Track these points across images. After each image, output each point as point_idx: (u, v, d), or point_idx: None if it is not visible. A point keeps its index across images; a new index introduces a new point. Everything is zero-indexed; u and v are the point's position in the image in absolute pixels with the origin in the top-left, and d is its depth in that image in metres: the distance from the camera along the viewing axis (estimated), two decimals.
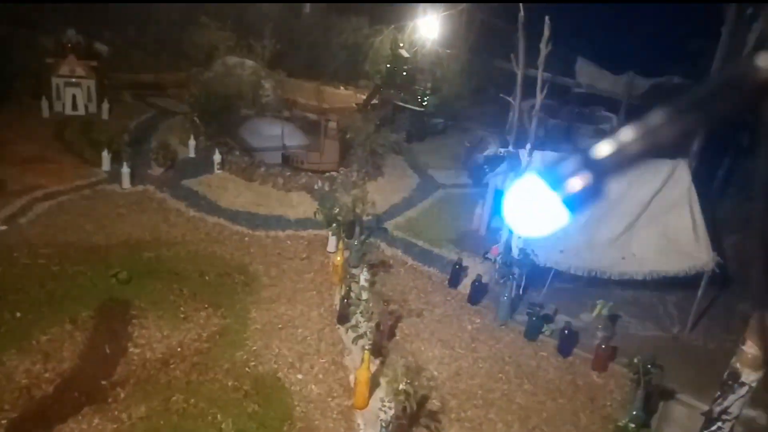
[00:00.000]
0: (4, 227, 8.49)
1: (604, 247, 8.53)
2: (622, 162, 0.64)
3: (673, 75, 13.60)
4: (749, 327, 4.13)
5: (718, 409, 4.51)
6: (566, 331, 7.50)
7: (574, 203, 0.63)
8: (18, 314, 6.68)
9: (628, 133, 0.64)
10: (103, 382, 5.95)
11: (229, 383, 6.23)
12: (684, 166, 8.62)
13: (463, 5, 16.69)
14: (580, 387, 7.03)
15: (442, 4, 16.34)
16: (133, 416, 5.57)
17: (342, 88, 18.80)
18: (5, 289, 7.09)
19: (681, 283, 8.47)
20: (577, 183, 0.62)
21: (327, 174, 11.69)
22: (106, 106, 13.52)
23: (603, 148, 0.63)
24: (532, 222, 0.64)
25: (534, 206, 0.63)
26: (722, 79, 0.61)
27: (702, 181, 9.50)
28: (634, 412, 6.09)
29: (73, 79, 13.28)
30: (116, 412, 5.58)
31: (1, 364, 5.90)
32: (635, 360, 6.34)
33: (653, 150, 0.63)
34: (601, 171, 0.63)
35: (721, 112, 0.61)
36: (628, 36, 16.44)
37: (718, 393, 4.56)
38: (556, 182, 0.63)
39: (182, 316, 7.20)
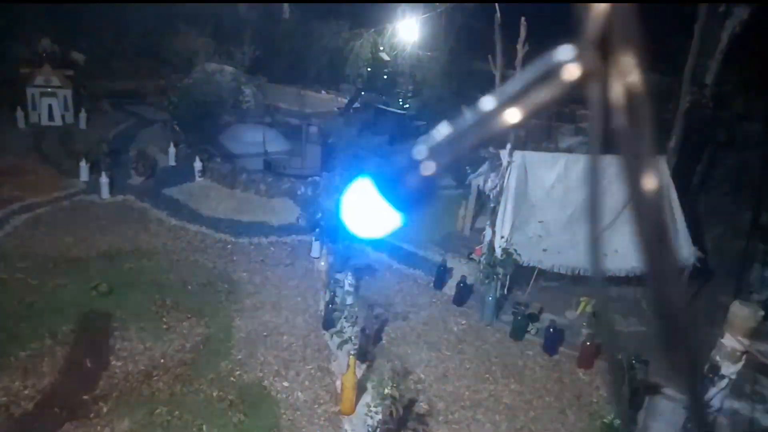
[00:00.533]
0: None
1: (586, 245, 8.59)
2: (452, 156, 0.64)
3: (650, 72, 13.78)
4: (727, 320, 4.18)
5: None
6: (551, 330, 7.54)
7: (405, 204, 0.64)
8: None
9: (451, 127, 0.64)
10: (85, 397, 5.84)
11: (214, 393, 6.16)
12: (662, 163, 8.72)
13: (442, 8, 16.77)
14: (566, 385, 7.07)
15: (421, 7, 16.40)
16: (116, 430, 5.47)
17: (323, 92, 18.78)
18: None
19: None
20: (409, 181, 0.62)
21: (310, 179, 11.64)
22: (83, 115, 13.37)
23: (435, 137, 0.63)
24: (369, 224, 0.64)
25: (369, 208, 0.63)
26: (532, 75, 0.62)
27: (681, 176, 9.63)
28: (620, 408, 6.12)
29: (49, 89, 13.10)
30: (99, 427, 5.48)
31: None
32: (619, 356, 6.37)
33: (484, 141, 0.64)
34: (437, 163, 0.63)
35: (540, 104, 0.62)
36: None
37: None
38: (384, 185, 0.63)
39: (165, 326, 7.11)
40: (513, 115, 0.63)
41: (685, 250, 8.25)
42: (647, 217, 0.61)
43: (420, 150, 0.62)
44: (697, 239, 8.74)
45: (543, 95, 0.63)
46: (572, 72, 0.62)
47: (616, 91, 0.60)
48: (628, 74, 0.60)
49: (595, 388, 7.05)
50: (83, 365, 6.29)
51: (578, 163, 8.95)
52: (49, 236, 8.79)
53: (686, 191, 10.13)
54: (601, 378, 7.20)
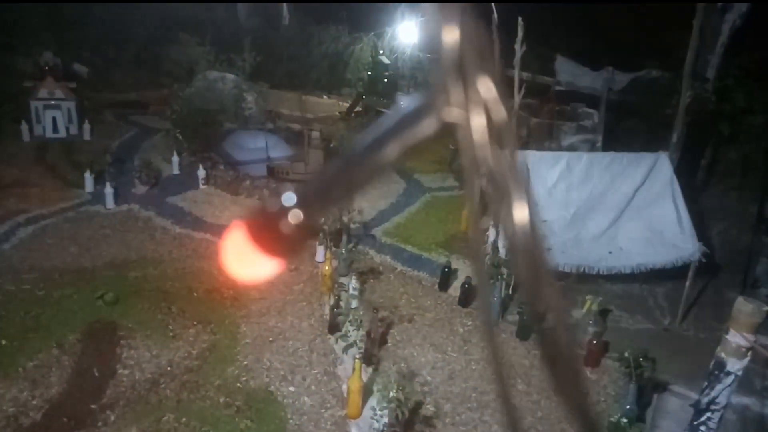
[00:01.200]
0: None
1: (591, 243, 8.57)
2: (322, 204, 0.63)
3: (651, 68, 13.73)
4: (732, 316, 4.16)
5: (705, 399, 4.53)
6: None
7: (281, 250, 0.63)
8: (3, 342, 6.59)
9: (330, 170, 0.63)
10: (93, 406, 5.88)
11: (221, 400, 6.17)
12: (665, 159, 8.69)
13: None
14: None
15: (420, 9, 16.41)
16: None
17: (324, 97, 18.84)
18: None
19: (669, 275, 8.52)
20: (282, 228, 0.61)
21: None
22: (87, 126, 13.45)
23: (308, 186, 0.62)
24: (244, 268, 0.63)
25: (245, 252, 0.62)
26: (388, 127, 0.61)
27: (685, 171, 9.59)
28: (627, 407, 6.09)
29: (53, 102, 13.20)
30: None
31: None
32: (626, 354, 6.35)
33: (353, 189, 0.63)
34: (307, 211, 0.62)
35: (397, 154, 0.61)
36: (605, 31, 16.61)
37: (705, 383, 4.58)
38: (258, 231, 0.61)
39: (171, 334, 7.14)
40: (378, 166, 0.61)
41: (691, 245, 8.21)
42: (520, 254, 0.60)
43: (289, 196, 0.60)
44: (702, 234, 8.69)
45: (397, 150, 0.61)
46: (429, 126, 0.59)
47: (479, 128, 0.58)
48: (490, 105, 0.58)
49: (603, 387, 7.01)
50: (90, 374, 6.32)
51: (580, 161, 8.93)
52: (55, 247, 8.85)
53: (691, 186, 10.09)
54: (608, 377, 7.17)
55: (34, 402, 5.83)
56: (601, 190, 8.82)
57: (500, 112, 0.58)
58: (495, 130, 0.57)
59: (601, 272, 8.29)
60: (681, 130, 8.93)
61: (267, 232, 0.60)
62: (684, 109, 8.77)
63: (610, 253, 8.41)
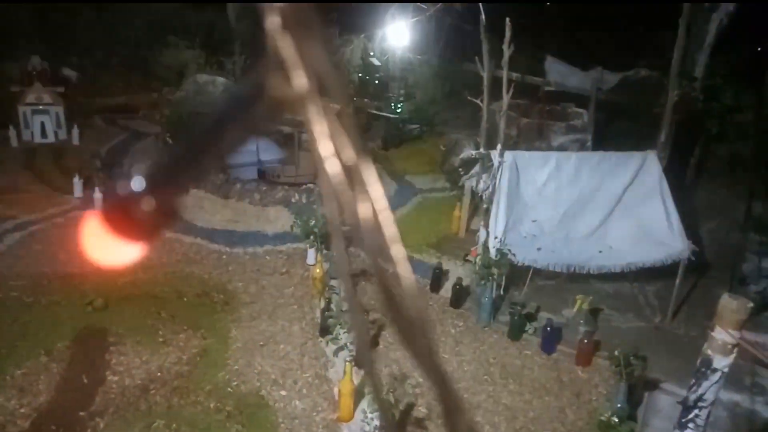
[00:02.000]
0: None
1: (581, 242, 8.60)
2: (171, 188, 0.63)
3: (640, 68, 13.82)
4: (717, 313, 4.18)
5: (693, 396, 4.55)
6: (548, 328, 7.53)
7: (139, 233, 0.62)
8: None
9: (167, 157, 0.63)
10: (81, 413, 5.83)
11: (212, 405, 6.14)
12: (653, 158, 8.73)
13: (431, 11, 16.82)
14: (565, 383, 7.05)
15: (411, 11, 16.45)
16: None
17: None
18: None
19: (659, 273, 8.55)
20: (135, 211, 0.60)
21: (304, 186, 11.64)
22: (76, 131, 13.37)
23: (153, 170, 0.62)
24: (106, 253, 0.63)
25: (105, 238, 0.62)
26: (224, 107, 0.61)
27: (674, 170, 9.64)
28: (618, 405, 6.11)
29: (41, 107, 13.11)
30: None
31: None
32: (616, 353, 6.37)
33: (198, 162, 0.63)
34: (158, 194, 0.61)
35: (239, 131, 0.62)
36: (594, 31, 16.70)
37: (693, 381, 4.60)
38: (114, 215, 0.61)
39: (161, 339, 7.10)
40: (219, 147, 0.61)
41: (680, 243, 8.25)
42: (368, 237, 0.60)
43: (139, 181, 0.59)
44: (691, 232, 8.74)
45: (237, 128, 0.61)
46: (262, 105, 0.59)
47: (308, 112, 0.58)
48: (318, 68, 0.58)
49: (594, 386, 7.03)
50: (79, 381, 6.28)
51: (569, 160, 8.96)
52: (44, 254, 8.78)
53: (679, 185, 10.14)
54: (599, 375, 7.19)
55: (22, 410, 5.78)
56: (590, 189, 8.85)
57: (332, 81, 0.58)
58: (333, 106, 0.58)
59: (591, 271, 8.32)
60: (669, 129, 8.98)
61: (122, 217, 0.59)
62: (672, 108, 8.81)
63: (600, 252, 8.44)
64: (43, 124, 13.17)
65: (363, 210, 0.58)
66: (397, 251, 0.59)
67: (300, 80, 0.56)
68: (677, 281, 8.26)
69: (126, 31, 17.91)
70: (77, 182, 10.60)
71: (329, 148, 0.58)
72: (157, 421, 5.80)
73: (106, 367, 6.56)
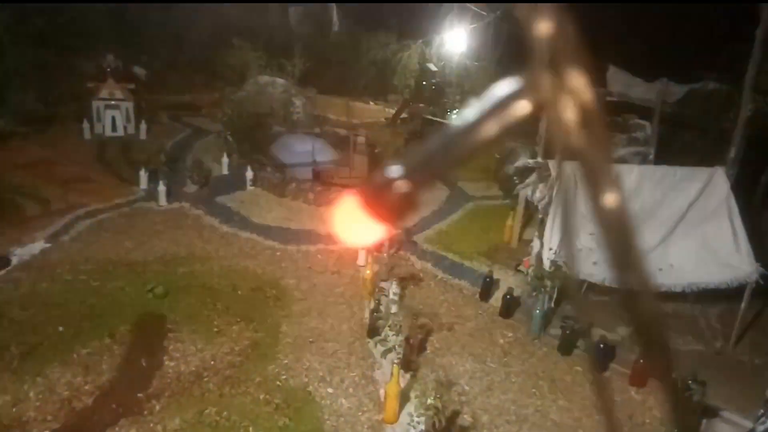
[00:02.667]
0: (47, 245, 8.86)
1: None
2: (428, 173, 0.67)
3: (708, 80, 13.24)
4: None
5: (761, 428, 4.31)
6: (602, 345, 7.31)
7: (385, 217, 0.68)
8: (60, 328, 6.93)
9: (433, 143, 0.68)
10: (140, 395, 6.10)
11: (261, 396, 6.29)
12: (721, 174, 8.35)
13: (490, 17, 16.72)
14: (617, 403, 6.82)
15: (469, 17, 16.40)
16: (168, 428, 5.67)
17: (371, 103, 19.00)
18: (49, 304, 7.37)
19: (723, 296, 8.16)
20: (387, 197, 0.65)
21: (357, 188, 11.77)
22: (143, 126, 14.05)
23: (410, 159, 0.67)
24: (356, 234, 0.69)
25: (356, 220, 0.67)
26: (485, 107, 0.64)
27: (743, 188, 9.18)
28: (675, 430, 5.86)
29: (113, 102, 13.85)
30: (151, 425, 5.70)
31: (45, 377, 6.12)
32: (674, 375, 6.11)
33: (455, 160, 0.67)
34: (413, 182, 0.67)
35: (499, 130, 0.65)
36: (661, 42, 16.13)
37: (761, 411, 4.36)
38: (368, 198, 0.67)
39: (215, 330, 7.33)
40: (477, 137, 0.65)
41: (747, 265, 7.84)
42: (612, 234, 0.62)
43: (394, 169, 0.65)
44: (760, 255, 8.29)
45: (499, 123, 0.65)
46: (523, 108, 0.64)
47: (569, 114, 0.62)
48: (579, 94, 0.62)
49: (648, 408, 6.77)
50: (139, 364, 6.56)
51: (631, 173, 8.68)
52: (111, 241, 9.25)
53: (749, 204, 9.64)
54: (654, 398, 6.92)
55: (87, 387, 6.09)
56: (652, 204, 8.54)
57: (589, 101, 0.62)
58: (584, 117, 0.61)
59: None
60: (739, 145, 8.56)
61: (376, 200, 0.65)
62: (744, 123, 8.41)
63: (660, 270, 8.12)
64: (113, 119, 13.90)
65: (609, 200, 0.62)
66: (636, 245, 0.63)
67: (577, 80, 0.60)
68: (743, 305, 7.85)
69: (193, 33, 18.67)
70: (143, 175, 11.11)
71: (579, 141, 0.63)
72: (209, 408, 5.99)
73: (163, 352, 6.83)
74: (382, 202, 0.66)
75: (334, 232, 0.70)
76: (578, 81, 0.61)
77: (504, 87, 0.65)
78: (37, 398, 5.84)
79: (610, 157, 0.63)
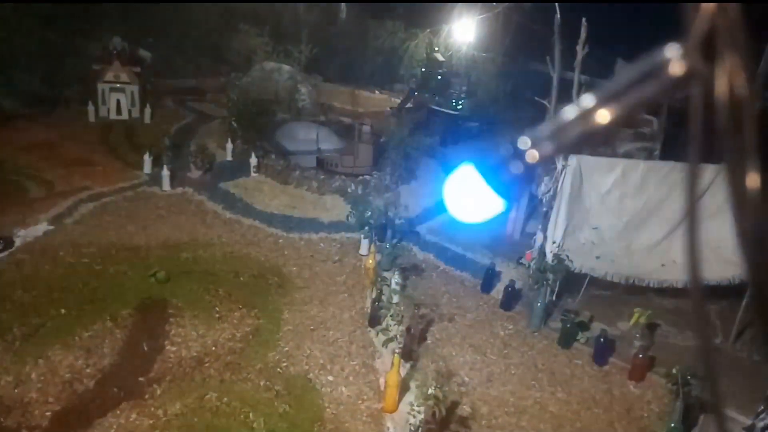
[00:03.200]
0: (50, 227, 8.88)
1: (643, 254, 8.30)
2: (556, 147, 0.67)
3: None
4: None
5: (761, 424, 4.32)
6: (602, 339, 7.32)
7: (507, 191, 0.68)
8: (62, 311, 6.96)
9: (564, 118, 0.68)
10: (141, 379, 6.13)
11: (261, 383, 6.32)
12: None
13: (500, 8, 16.57)
14: (616, 397, 6.85)
15: (478, 7, 16.26)
16: (169, 413, 5.71)
17: (376, 92, 18.91)
18: (51, 286, 7.40)
19: (724, 293, 8.14)
20: (512, 169, 0.66)
21: (360, 177, 11.76)
22: (148, 110, 14.00)
23: (540, 131, 0.67)
24: (471, 209, 0.68)
25: (472, 194, 0.67)
26: (639, 70, 0.64)
27: None
28: (672, 425, 5.89)
29: (118, 85, 13.80)
30: (152, 408, 5.74)
31: (46, 359, 6.16)
32: (674, 370, 6.13)
33: (587, 137, 0.67)
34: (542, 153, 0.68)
35: (641, 100, 0.64)
36: (670, 37, 15.95)
37: (761, 407, 4.37)
38: (489, 172, 0.67)
39: (217, 315, 7.36)
40: (613, 112, 0.66)
41: None
42: (750, 216, 0.62)
43: (524, 140, 0.66)
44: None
45: (645, 91, 0.66)
46: (677, 68, 0.64)
47: (721, 93, 0.62)
48: (733, 76, 0.62)
49: (647, 403, 6.79)
50: (140, 348, 6.60)
51: (637, 169, 8.65)
52: (113, 224, 9.27)
53: None
54: (653, 392, 6.94)
55: (88, 370, 6.13)
56: (656, 200, 8.52)
57: (742, 86, 0.61)
58: (732, 97, 0.61)
59: (651, 285, 8.02)
60: None
61: (497, 173, 0.66)
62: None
63: (663, 265, 8.12)
64: (118, 102, 13.86)
65: (751, 182, 0.62)
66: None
67: (732, 60, 0.60)
68: (744, 302, 7.84)
69: (200, 16, 18.55)
70: (147, 159, 11.10)
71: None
72: (210, 393, 6.03)
73: (165, 336, 6.86)
74: (505, 174, 0.66)
75: (448, 208, 0.70)
76: (733, 61, 0.60)
77: (665, 50, 0.65)
78: (39, 380, 5.88)
79: (752, 141, 0.62)
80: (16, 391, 5.70)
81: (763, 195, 0.60)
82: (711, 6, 0.59)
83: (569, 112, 0.67)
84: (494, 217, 0.75)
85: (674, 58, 0.62)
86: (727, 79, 0.60)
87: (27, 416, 5.43)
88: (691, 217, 0.67)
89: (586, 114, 0.66)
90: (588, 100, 0.66)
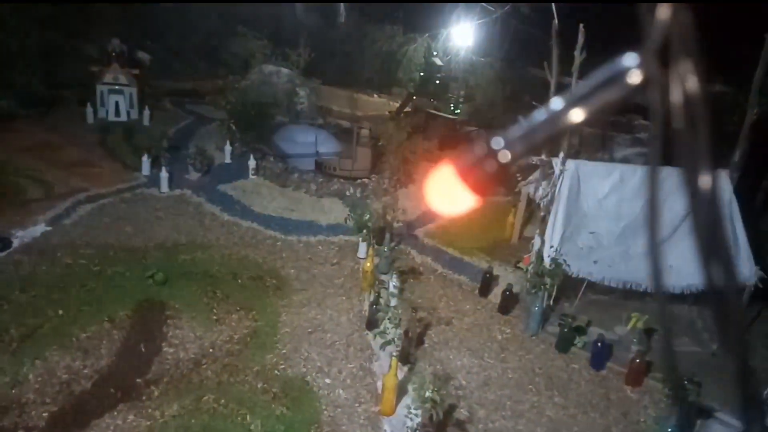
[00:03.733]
0: (48, 228, 8.86)
1: (640, 259, 8.32)
2: (526, 148, 0.72)
3: (714, 83, 13.20)
4: None
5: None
6: (599, 344, 7.34)
7: (481, 186, 0.73)
8: (60, 312, 6.95)
9: (534, 120, 0.72)
10: (138, 380, 6.12)
11: (259, 385, 6.32)
12: (724, 178, 8.35)
13: (498, 13, 16.65)
14: (612, 401, 6.86)
15: (477, 12, 16.33)
16: (166, 414, 5.70)
17: (375, 95, 18.97)
18: (49, 287, 7.39)
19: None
20: (485, 166, 0.70)
21: (359, 181, 11.79)
22: (147, 112, 14.01)
23: (512, 132, 0.72)
24: (448, 203, 0.73)
25: (449, 190, 0.72)
26: (602, 77, 0.68)
27: (746, 192, 9.19)
28: (669, 430, 5.90)
29: (117, 87, 13.80)
30: (150, 410, 5.73)
31: (44, 359, 6.15)
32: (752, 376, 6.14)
33: (553, 136, 0.72)
34: (513, 153, 0.73)
35: (603, 105, 0.69)
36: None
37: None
38: (464, 171, 0.72)
39: (215, 317, 7.36)
40: (578, 114, 0.70)
41: (747, 269, 7.87)
42: (703, 218, 0.64)
43: (497, 141, 0.69)
44: (760, 258, 8.31)
45: (607, 97, 0.70)
46: (635, 77, 0.68)
47: (675, 96, 0.65)
48: (686, 80, 0.65)
49: (644, 407, 6.81)
50: (138, 350, 6.59)
51: (635, 174, 8.69)
52: (112, 226, 9.26)
53: (750, 208, 9.65)
54: (650, 397, 6.96)
55: (86, 371, 6.12)
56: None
57: (697, 92, 0.65)
58: (687, 101, 0.65)
59: (648, 290, 8.05)
60: (744, 149, 8.56)
61: (472, 171, 0.70)
62: (749, 126, 8.40)
63: None
64: (117, 104, 13.86)
65: (704, 183, 0.64)
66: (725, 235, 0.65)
67: (685, 66, 0.63)
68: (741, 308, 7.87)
69: (198, 20, 18.58)
70: (146, 161, 11.10)
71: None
72: (207, 395, 6.02)
73: (162, 338, 6.86)
74: (480, 172, 0.70)
75: (428, 201, 0.74)
76: (687, 68, 0.64)
77: (623, 59, 0.69)
78: (36, 381, 5.87)
79: (707, 143, 0.65)
80: (13, 391, 5.68)
81: (715, 198, 0.64)
82: (666, 13, 0.63)
83: (539, 114, 0.71)
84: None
85: (632, 67, 0.67)
86: (680, 83, 0.64)
87: (24, 417, 5.42)
88: (652, 218, 0.70)
89: (555, 116, 0.71)
90: (557, 103, 0.71)
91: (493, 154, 0.72)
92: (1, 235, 8.28)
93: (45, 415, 5.48)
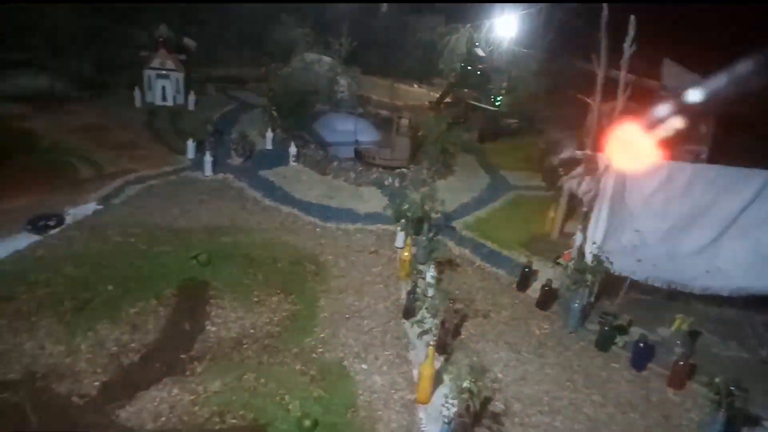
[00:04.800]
0: (99, 206, 9.18)
1: (687, 259, 8.09)
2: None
3: None
4: None
5: None
6: (641, 344, 7.18)
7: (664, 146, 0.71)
8: (110, 287, 7.21)
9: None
10: (183, 356, 6.32)
11: (297, 367, 6.43)
12: None
13: (542, 5, 16.33)
14: (653, 403, 6.71)
15: (521, 3, 16.06)
16: (208, 389, 5.87)
17: (415, 85, 18.87)
18: (100, 263, 7.67)
19: None
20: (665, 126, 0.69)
21: (398, 170, 11.77)
22: (192, 97, 14.31)
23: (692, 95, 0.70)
24: (630, 160, 0.71)
25: (632, 147, 0.70)
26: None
27: None
28: None
29: (164, 72, 14.13)
30: (193, 385, 5.91)
31: (95, 331, 6.40)
32: (716, 380, 5.98)
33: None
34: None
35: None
36: (716, 37, 15.43)
37: None
38: (649, 127, 0.70)
39: (255, 299, 7.51)
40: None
41: None
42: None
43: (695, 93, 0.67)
44: None
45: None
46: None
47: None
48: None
49: (686, 410, 6.64)
50: (182, 327, 6.79)
51: (683, 172, 8.43)
52: (158, 207, 9.53)
53: None
54: (692, 401, 6.77)
55: (133, 345, 6.35)
56: (703, 204, 8.30)
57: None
58: None
59: (694, 291, 7.83)
60: None
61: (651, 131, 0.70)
62: None
63: (708, 272, 7.90)
64: (164, 89, 14.20)
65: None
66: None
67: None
68: None
69: (243, 7, 18.79)
70: (191, 145, 11.36)
71: None
72: (247, 374, 6.17)
73: (205, 317, 7.04)
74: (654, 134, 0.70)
75: (610, 156, 0.73)
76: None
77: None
78: (88, 351, 6.12)
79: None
80: (67, 360, 5.95)
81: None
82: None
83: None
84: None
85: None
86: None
87: (77, 384, 5.67)
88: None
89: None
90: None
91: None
92: (55, 212, 8.62)
93: (96, 384, 5.72)
